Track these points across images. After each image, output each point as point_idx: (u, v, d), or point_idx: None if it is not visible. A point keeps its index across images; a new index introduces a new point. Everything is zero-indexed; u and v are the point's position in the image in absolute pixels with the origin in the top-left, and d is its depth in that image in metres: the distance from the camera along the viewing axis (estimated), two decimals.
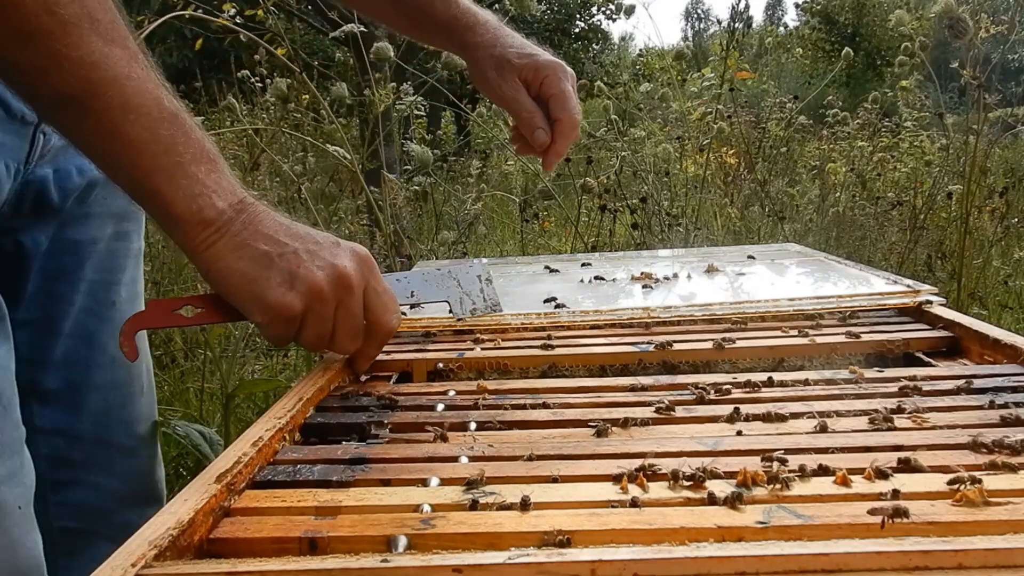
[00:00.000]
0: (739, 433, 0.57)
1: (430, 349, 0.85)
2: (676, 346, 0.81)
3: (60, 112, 0.62)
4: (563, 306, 0.98)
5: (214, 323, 0.76)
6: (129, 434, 0.92)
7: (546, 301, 1.00)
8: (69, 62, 0.58)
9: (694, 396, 0.64)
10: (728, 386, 0.67)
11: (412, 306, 0.90)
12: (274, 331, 0.68)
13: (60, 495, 0.89)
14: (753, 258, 1.28)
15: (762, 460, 0.50)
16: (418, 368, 0.81)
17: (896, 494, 0.44)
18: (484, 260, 0.89)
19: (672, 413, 0.61)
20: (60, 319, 0.85)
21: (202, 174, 0.65)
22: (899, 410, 0.59)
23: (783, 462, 0.49)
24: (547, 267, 1.26)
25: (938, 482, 0.46)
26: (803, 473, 0.48)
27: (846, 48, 3.26)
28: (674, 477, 0.47)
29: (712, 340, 0.81)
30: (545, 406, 0.65)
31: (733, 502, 0.44)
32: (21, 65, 0.59)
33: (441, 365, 0.80)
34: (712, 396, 0.65)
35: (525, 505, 0.45)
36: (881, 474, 0.47)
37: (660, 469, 0.49)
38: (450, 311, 0.91)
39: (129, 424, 0.92)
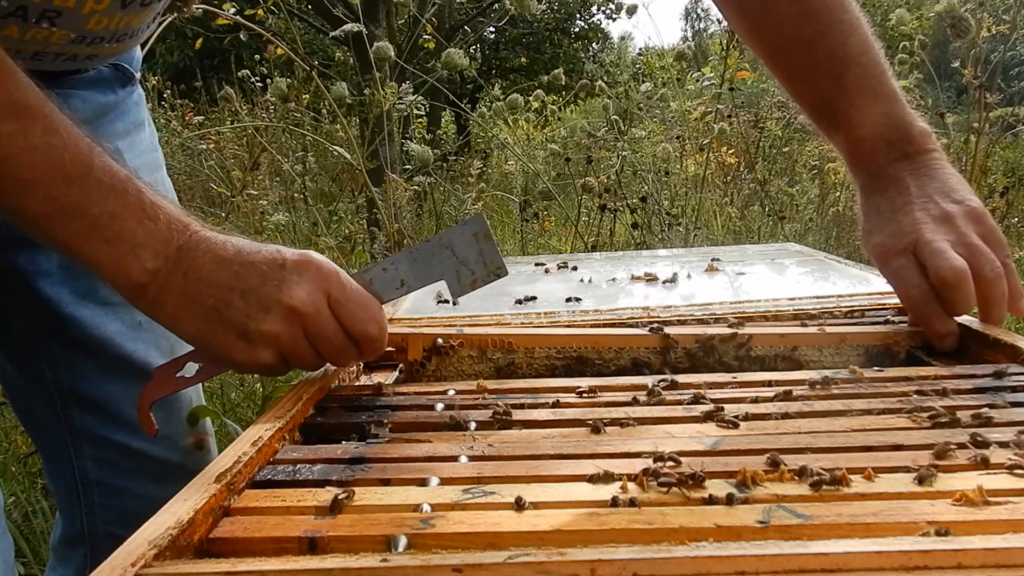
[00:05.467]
0: (736, 430, 0.57)
1: (425, 324, 0.83)
2: (683, 330, 0.80)
3: None
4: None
5: (217, 374, 0.73)
6: (178, 448, 0.92)
7: (518, 302, 1.00)
8: None
9: (693, 396, 0.64)
10: (729, 386, 0.68)
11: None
12: (264, 374, 0.67)
13: (107, 498, 0.90)
14: (750, 255, 1.28)
15: (767, 463, 0.50)
16: (414, 344, 0.78)
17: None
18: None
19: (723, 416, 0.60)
20: (88, 338, 0.86)
21: (128, 230, 0.61)
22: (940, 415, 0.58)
23: (782, 463, 0.49)
24: (539, 265, 1.27)
25: (940, 482, 0.47)
26: (805, 473, 0.48)
27: None
28: (679, 483, 0.47)
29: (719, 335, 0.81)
30: (556, 404, 0.65)
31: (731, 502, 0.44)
32: None
33: (440, 341, 0.78)
34: (713, 396, 0.65)
35: (520, 506, 0.45)
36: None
37: (664, 469, 0.49)
38: (439, 300, 0.85)
39: (176, 439, 0.92)
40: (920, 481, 0.47)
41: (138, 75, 0.92)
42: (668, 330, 0.79)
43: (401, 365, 0.80)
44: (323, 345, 0.65)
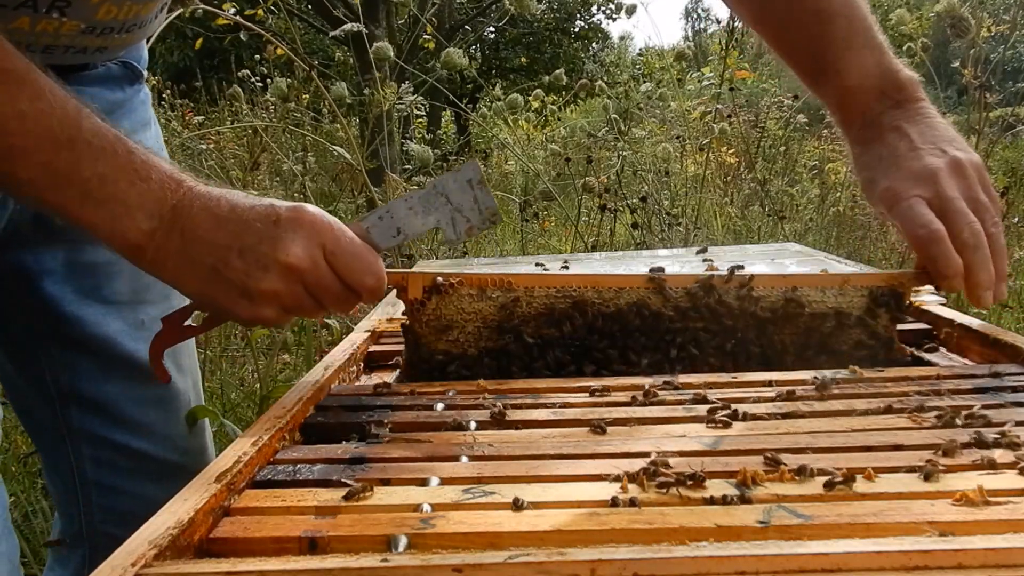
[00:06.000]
0: (736, 430, 0.57)
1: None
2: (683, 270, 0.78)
3: None
4: None
5: (224, 323, 0.75)
6: (177, 449, 0.91)
7: None
8: None
9: (694, 396, 0.64)
10: (729, 386, 0.68)
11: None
12: (270, 326, 0.67)
13: (105, 498, 0.89)
14: (750, 255, 1.28)
15: (764, 462, 0.50)
16: (414, 283, 0.77)
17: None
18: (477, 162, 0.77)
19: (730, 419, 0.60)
20: (89, 337, 0.86)
21: (121, 192, 0.61)
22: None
23: (782, 462, 0.49)
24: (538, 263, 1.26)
25: (941, 482, 0.47)
26: (803, 473, 0.48)
27: None
28: (678, 483, 0.47)
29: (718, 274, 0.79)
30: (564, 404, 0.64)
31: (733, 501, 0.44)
32: None
33: (440, 280, 0.77)
34: (713, 397, 0.65)
35: (517, 506, 0.45)
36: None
37: (665, 467, 0.49)
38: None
39: (176, 439, 0.91)
40: (926, 478, 0.47)
41: (146, 74, 0.92)
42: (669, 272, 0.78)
43: (400, 366, 0.80)
44: (323, 296, 0.66)
